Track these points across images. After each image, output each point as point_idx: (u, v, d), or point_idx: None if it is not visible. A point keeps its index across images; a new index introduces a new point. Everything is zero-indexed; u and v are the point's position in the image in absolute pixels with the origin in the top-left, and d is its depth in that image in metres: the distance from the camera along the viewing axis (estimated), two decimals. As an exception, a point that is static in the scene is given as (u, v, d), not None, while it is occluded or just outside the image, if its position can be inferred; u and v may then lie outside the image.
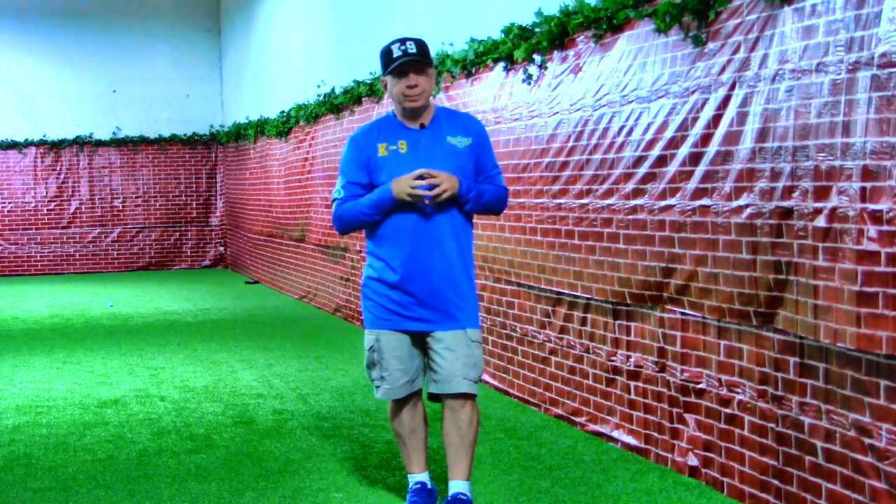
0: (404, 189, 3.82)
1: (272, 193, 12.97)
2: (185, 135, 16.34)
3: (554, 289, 5.64)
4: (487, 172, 4.05)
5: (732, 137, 4.13)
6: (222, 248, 16.56)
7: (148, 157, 16.23)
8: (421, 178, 3.83)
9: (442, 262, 3.91)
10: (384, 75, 3.96)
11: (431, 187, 3.83)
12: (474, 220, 4.27)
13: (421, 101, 3.91)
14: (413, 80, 3.88)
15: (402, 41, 3.90)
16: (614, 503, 4.25)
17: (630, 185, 4.84)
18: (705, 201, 4.29)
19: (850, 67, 3.48)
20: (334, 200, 4.04)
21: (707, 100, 4.29)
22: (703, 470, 4.46)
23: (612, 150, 5.00)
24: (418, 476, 4.13)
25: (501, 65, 6.21)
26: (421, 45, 3.91)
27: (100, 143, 16.06)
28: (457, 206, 3.94)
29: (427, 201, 3.83)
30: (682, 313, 4.53)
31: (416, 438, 4.11)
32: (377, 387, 4.07)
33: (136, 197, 16.21)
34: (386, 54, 3.92)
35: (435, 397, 4.05)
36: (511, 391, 6.25)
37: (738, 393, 4.20)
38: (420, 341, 4.02)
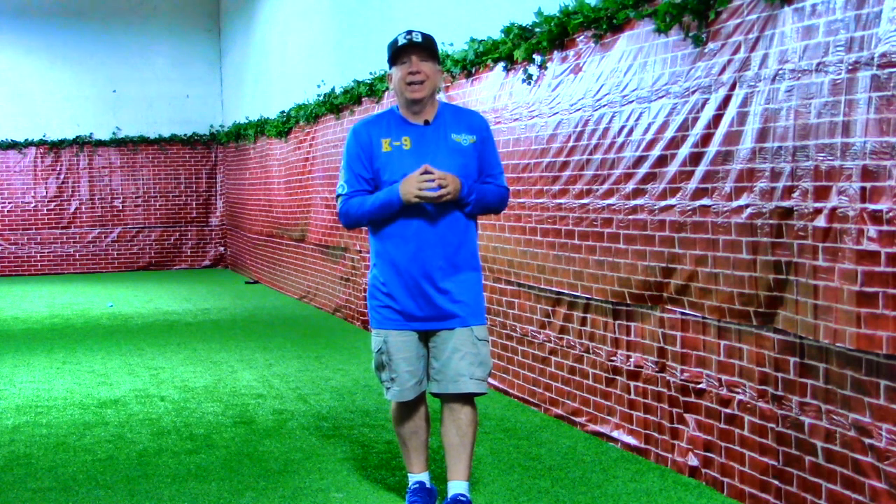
0: (412, 191, 3.75)
1: (272, 193, 12.97)
2: (185, 135, 16.34)
3: (554, 289, 5.64)
4: (490, 171, 4.01)
5: (732, 137, 4.13)
6: (222, 248, 16.56)
7: (148, 157, 16.23)
8: (426, 172, 3.77)
9: (446, 261, 3.88)
10: (390, 68, 3.90)
11: (438, 188, 3.77)
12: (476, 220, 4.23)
13: (423, 93, 3.83)
14: (415, 66, 3.81)
15: (409, 31, 3.85)
16: (614, 503, 4.25)
17: (630, 185, 4.84)
18: (705, 201, 4.29)
19: (850, 67, 3.48)
20: (339, 196, 3.98)
21: (707, 100, 4.29)
22: (703, 470, 4.46)
23: (612, 150, 5.00)
24: (418, 476, 4.13)
25: (501, 65, 6.21)
26: (427, 37, 3.86)
27: (100, 143, 16.06)
28: (457, 208, 3.90)
29: (430, 199, 3.78)
30: (682, 313, 4.53)
31: (417, 439, 4.11)
32: (387, 388, 4.03)
33: (136, 197, 16.21)
34: (391, 44, 3.87)
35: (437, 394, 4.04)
36: (511, 391, 6.25)
37: (738, 393, 4.20)
38: (426, 341, 3.99)
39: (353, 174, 3.95)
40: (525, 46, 5.79)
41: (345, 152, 4.00)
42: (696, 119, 4.37)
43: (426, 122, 3.92)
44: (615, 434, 5.12)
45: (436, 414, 4.53)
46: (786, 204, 3.80)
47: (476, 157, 3.94)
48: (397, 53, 3.84)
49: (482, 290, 4.02)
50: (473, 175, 3.94)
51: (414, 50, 3.82)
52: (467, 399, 3.97)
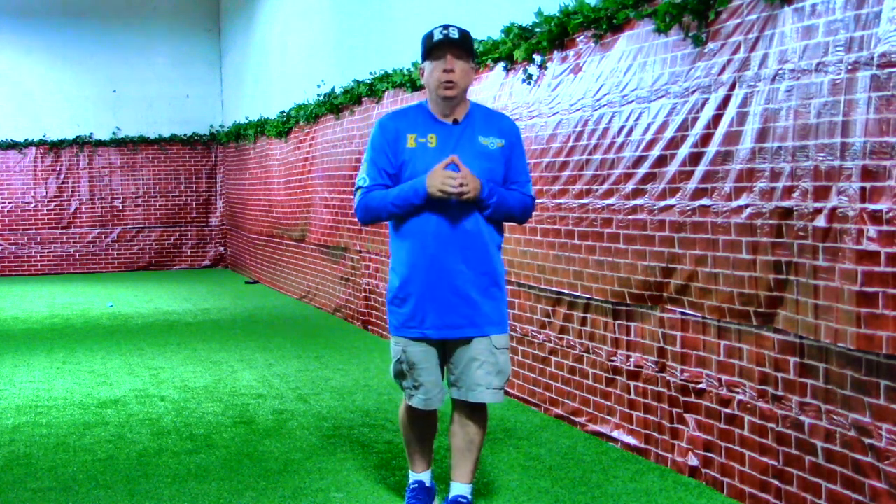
0: (436, 184, 3.67)
1: (272, 193, 12.97)
2: (185, 135, 16.34)
3: (554, 289, 5.64)
4: (516, 178, 3.90)
5: (732, 137, 4.13)
6: (222, 248, 16.56)
7: (148, 157, 16.23)
8: (453, 162, 3.69)
9: (465, 265, 3.79)
10: (423, 61, 3.80)
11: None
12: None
13: (456, 92, 3.74)
14: (450, 65, 3.71)
15: (446, 26, 3.75)
16: (614, 503, 4.25)
17: (630, 185, 4.84)
18: (705, 201, 4.29)
19: (849, 67, 3.49)
20: (358, 188, 3.88)
21: (707, 100, 4.29)
22: (703, 470, 4.46)
23: (612, 150, 5.00)
24: (419, 475, 4.12)
25: (501, 65, 6.21)
26: (465, 34, 3.76)
27: (100, 143, 16.06)
28: (477, 209, 3.79)
29: (451, 195, 3.68)
30: (682, 313, 4.53)
31: (424, 440, 4.09)
32: (411, 395, 3.95)
33: (136, 197, 16.21)
34: (427, 38, 3.77)
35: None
36: (511, 391, 6.25)
37: (738, 393, 4.20)
38: (442, 348, 3.92)
39: (376, 168, 3.86)
40: (525, 46, 5.79)
41: (369, 144, 3.91)
42: (695, 119, 4.37)
43: (455, 122, 3.83)
44: (615, 434, 5.12)
45: (444, 416, 4.53)
46: (786, 204, 3.80)
47: (503, 163, 3.85)
48: (432, 49, 3.74)
49: (504, 298, 3.92)
50: (498, 180, 3.84)
51: (450, 47, 3.72)
52: (481, 406, 3.95)
